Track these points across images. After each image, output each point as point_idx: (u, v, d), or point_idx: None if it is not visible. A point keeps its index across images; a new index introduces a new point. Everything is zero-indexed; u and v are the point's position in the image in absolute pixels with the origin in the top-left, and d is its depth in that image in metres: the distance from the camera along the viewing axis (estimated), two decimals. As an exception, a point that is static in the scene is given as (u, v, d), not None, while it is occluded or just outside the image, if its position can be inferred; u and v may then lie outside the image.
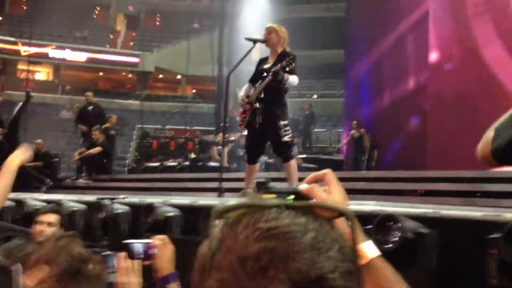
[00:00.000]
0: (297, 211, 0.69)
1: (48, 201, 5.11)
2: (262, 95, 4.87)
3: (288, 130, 4.83)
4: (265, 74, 4.85)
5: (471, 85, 8.94)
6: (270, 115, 4.83)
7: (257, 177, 5.01)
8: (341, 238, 0.69)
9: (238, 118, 5.35)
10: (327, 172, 0.90)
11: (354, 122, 11.80)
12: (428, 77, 10.08)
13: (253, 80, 5.11)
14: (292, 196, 0.82)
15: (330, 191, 0.87)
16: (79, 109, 11.99)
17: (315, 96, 24.61)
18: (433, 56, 10.13)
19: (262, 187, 0.83)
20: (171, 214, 4.24)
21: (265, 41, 5.00)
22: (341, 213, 0.72)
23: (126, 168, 15.59)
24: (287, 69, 4.68)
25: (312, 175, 0.88)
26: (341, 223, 0.74)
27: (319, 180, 0.89)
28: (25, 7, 28.99)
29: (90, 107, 11.22)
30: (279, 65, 4.67)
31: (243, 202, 0.69)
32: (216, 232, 0.68)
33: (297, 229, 0.65)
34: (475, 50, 9.03)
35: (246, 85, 5.19)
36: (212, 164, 11.61)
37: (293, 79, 4.76)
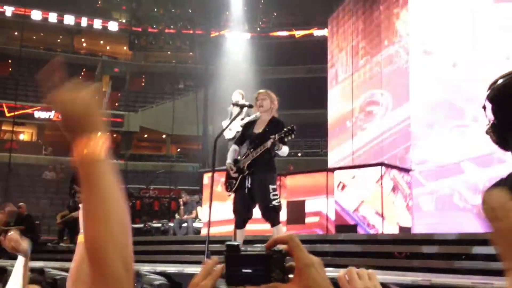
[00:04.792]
0: None
1: (30, 269, 4.97)
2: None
3: (276, 194, 4.81)
4: (257, 139, 4.88)
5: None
6: (260, 179, 4.83)
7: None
8: None
9: (223, 180, 5.30)
10: (290, 236, 0.78)
11: None
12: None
13: (241, 142, 5.15)
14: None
15: (295, 258, 0.78)
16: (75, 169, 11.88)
17: (299, 154, 24.83)
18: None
19: (232, 249, 0.80)
20: (157, 282, 4.16)
21: (251, 106, 5.07)
22: None
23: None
24: (285, 140, 4.69)
25: (273, 238, 0.80)
26: None
27: (280, 244, 0.79)
28: (10, 69, 29.23)
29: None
30: (276, 135, 4.68)
31: None
32: None
33: None
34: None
35: (232, 148, 5.20)
36: (197, 225, 11.47)
37: (285, 150, 4.80)
